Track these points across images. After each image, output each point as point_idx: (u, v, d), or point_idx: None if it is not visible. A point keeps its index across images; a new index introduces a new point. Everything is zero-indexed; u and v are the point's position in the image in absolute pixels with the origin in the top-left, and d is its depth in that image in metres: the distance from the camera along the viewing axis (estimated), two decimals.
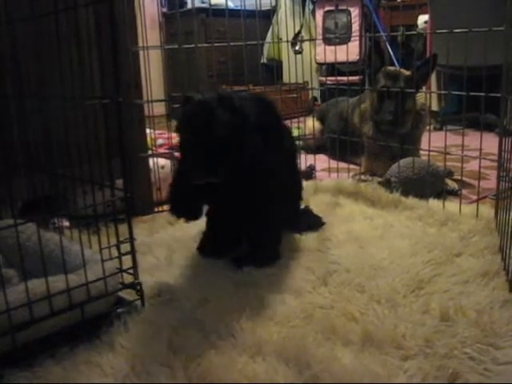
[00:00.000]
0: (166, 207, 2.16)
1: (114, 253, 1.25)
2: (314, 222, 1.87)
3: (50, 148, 1.49)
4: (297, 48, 4.45)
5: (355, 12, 4.63)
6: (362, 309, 1.27)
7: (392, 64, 3.81)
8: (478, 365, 1.04)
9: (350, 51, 4.06)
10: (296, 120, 3.00)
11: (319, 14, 4.83)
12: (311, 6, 5.05)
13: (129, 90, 2.00)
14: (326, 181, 2.47)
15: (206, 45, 2.40)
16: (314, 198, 2.15)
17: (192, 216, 1.54)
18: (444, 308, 1.24)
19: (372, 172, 2.63)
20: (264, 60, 5.01)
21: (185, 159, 1.43)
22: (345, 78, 3.22)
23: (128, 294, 1.30)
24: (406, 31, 4.29)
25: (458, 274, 1.44)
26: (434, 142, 2.07)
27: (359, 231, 1.80)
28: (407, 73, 2.59)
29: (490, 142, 2.03)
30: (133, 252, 1.27)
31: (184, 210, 1.53)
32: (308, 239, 1.74)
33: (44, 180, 1.51)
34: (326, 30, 4.77)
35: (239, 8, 4.08)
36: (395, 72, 2.62)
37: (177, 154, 2.30)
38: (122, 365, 1.09)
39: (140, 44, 2.07)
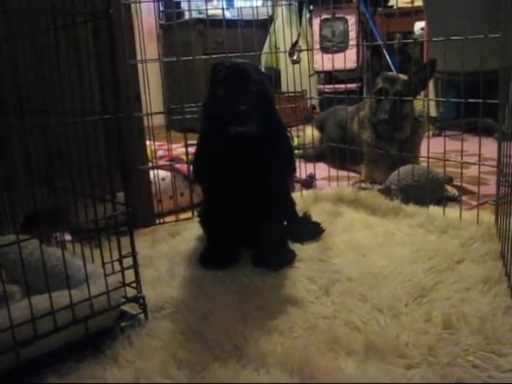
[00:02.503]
0: (167, 219, 2.18)
1: (117, 267, 1.25)
2: (313, 229, 1.88)
3: (51, 162, 1.50)
4: (295, 58, 4.46)
5: (352, 20, 4.65)
6: (364, 318, 1.27)
7: (390, 70, 3.83)
8: (481, 372, 1.04)
9: (348, 59, 4.08)
10: (295, 129, 3.01)
11: (316, 22, 4.85)
12: (308, 15, 5.06)
13: (128, 103, 2.01)
14: (326, 189, 2.47)
15: (204, 57, 2.40)
16: (314, 207, 2.15)
17: (216, 182, 1.61)
18: (446, 316, 1.24)
19: (372, 180, 2.64)
20: (262, 69, 5.02)
21: (217, 114, 1.50)
22: (343, 86, 3.24)
23: (131, 308, 1.31)
24: (403, 38, 4.32)
25: (459, 281, 1.44)
26: (432, 148, 2.08)
27: (360, 240, 1.81)
28: (405, 77, 2.60)
29: (489, 147, 2.03)
30: (135, 266, 1.27)
31: (206, 175, 1.61)
32: (309, 248, 1.74)
33: (45, 194, 1.52)
34: (323, 38, 4.79)
35: (236, 18, 4.10)
36: (393, 76, 2.64)
37: (178, 166, 2.31)
38: (126, 379, 1.09)
39: (138, 56, 2.08)
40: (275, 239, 1.67)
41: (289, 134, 1.68)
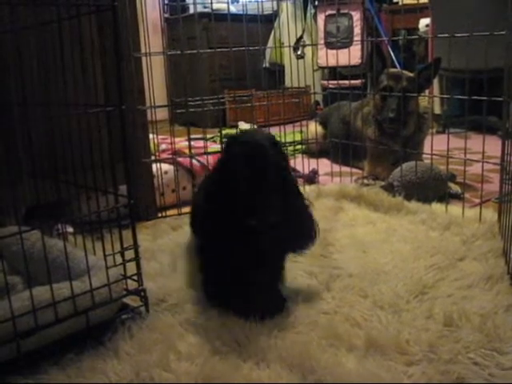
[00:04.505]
0: (169, 212, 2.17)
1: (118, 259, 1.25)
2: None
3: (54, 154, 1.49)
4: (299, 53, 4.45)
5: (357, 16, 4.63)
6: (365, 314, 1.27)
7: (394, 67, 3.82)
8: (482, 370, 1.04)
9: (352, 55, 4.06)
10: (298, 124, 3.01)
11: (321, 18, 4.83)
12: (313, 10, 5.05)
13: (132, 96, 2.01)
14: (328, 185, 2.47)
15: (209, 50, 2.40)
16: (316, 203, 2.13)
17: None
18: (448, 313, 1.24)
19: (375, 176, 2.63)
20: (266, 64, 5.01)
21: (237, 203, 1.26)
22: (347, 82, 3.23)
23: (132, 301, 1.31)
24: (408, 35, 4.31)
25: (461, 279, 1.44)
26: (436, 145, 2.07)
27: (362, 236, 1.81)
28: (410, 74, 2.60)
29: (493, 145, 2.03)
30: (137, 258, 1.27)
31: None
32: None
33: (48, 186, 1.52)
34: (327, 33, 4.77)
35: (241, 13, 4.10)
36: (398, 73, 2.63)
37: (180, 159, 2.31)
38: (126, 371, 1.09)
39: (142, 49, 2.07)
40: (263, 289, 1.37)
41: (307, 202, 1.39)
